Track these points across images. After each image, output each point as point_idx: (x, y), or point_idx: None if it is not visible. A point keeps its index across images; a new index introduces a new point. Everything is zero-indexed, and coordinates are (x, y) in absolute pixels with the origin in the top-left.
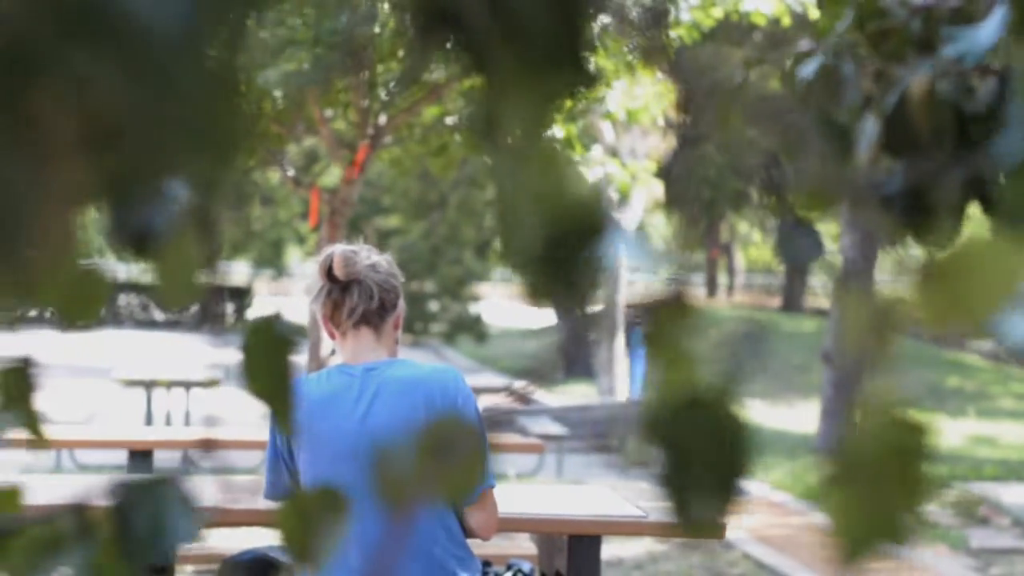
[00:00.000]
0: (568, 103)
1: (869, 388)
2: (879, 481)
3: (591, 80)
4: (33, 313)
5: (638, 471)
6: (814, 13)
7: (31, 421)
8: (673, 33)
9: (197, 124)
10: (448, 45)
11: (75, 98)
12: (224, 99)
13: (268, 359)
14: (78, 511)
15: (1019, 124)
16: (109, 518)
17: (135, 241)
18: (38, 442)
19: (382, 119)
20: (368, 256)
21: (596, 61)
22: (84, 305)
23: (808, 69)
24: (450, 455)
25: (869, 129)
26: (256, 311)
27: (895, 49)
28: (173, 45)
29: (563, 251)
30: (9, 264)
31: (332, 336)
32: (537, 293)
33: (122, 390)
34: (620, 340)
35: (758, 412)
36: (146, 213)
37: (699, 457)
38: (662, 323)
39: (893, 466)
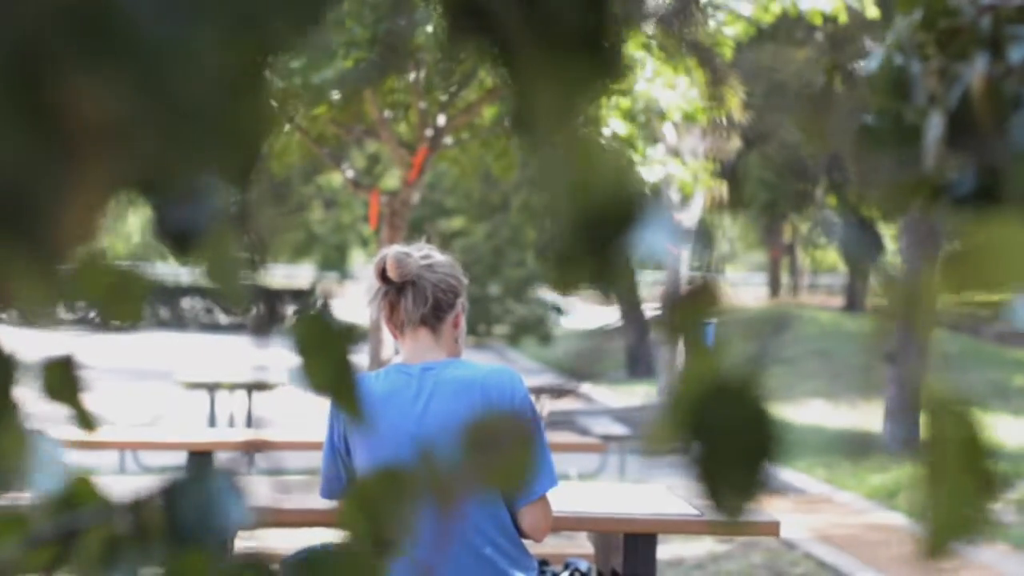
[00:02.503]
0: (599, 95)
1: (931, 385)
2: (954, 476)
3: (619, 71)
4: (82, 315)
5: (659, 458)
6: (872, 12)
7: (81, 414)
8: (730, 30)
9: (211, 122)
10: (480, 37)
11: (90, 96)
12: (241, 97)
13: (324, 351)
14: (135, 509)
15: None
16: (161, 507)
17: (178, 239)
18: (99, 443)
19: (441, 120)
20: (426, 256)
21: (625, 52)
22: (124, 305)
23: (871, 65)
24: (498, 450)
25: (934, 127)
26: (302, 309)
27: (962, 48)
28: (179, 47)
29: (597, 240)
30: (32, 252)
31: (395, 336)
32: (569, 282)
33: (185, 393)
34: (682, 340)
35: (820, 412)
36: (188, 211)
37: (725, 444)
38: (688, 313)
39: (965, 461)
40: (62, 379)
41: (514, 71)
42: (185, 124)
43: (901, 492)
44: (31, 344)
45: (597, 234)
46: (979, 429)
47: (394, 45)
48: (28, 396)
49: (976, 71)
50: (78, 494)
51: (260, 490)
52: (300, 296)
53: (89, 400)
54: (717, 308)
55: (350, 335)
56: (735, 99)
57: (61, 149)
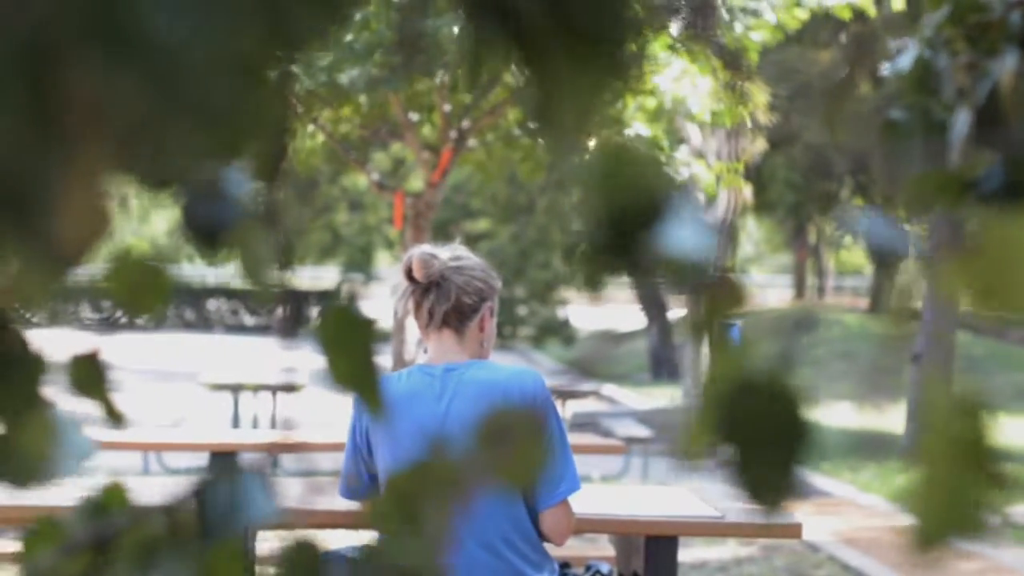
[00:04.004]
0: (619, 94)
1: (932, 382)
2: (948, 472)
3: (636, 69)
4: (106, 313)
5: (693, 463)
6: (897, 4)
7: (108, 409)
8: (756, 34)
9: (227, 116)
10: (502, 37)
11: (94, 88)
12: (257, 91)
13: (349, 344)
14: (169, 511)
15: None
16: (190, 500)
17: (206, 237)
18: (123, 444)
19: (465, 123)
20: (456, 258)
21: (643, 50)
22: (146, 300)
23: (903, 62)
24: (510, 445)
25: (961, 123)
26: (328, 304)
27: (992, 43)
28: (186, 42)
29: (625, 238)
30: (35, 242)
31: (422, 334)
32: (596, 281)
33: (209, 394)
34: (707, 339)
35: (845, 414)
36: (215, 208)
37: (760, 443)
38: (712, 312)
39: (960, 457)
40: (89, 374)
41: (536, 71)
42: (199, 118)
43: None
44: (61, 343)
45: (625, 232)
46: (979, 426)
47: (416, 46)
48: (57, 393)
49: (1005, 66)
50: (110, 500)
51: (289, 489)
52: (325, 297)
53: (116, 396)
54: (741, 307)
55: (374, 330)
56: (761, 100)
57: (72, 144)
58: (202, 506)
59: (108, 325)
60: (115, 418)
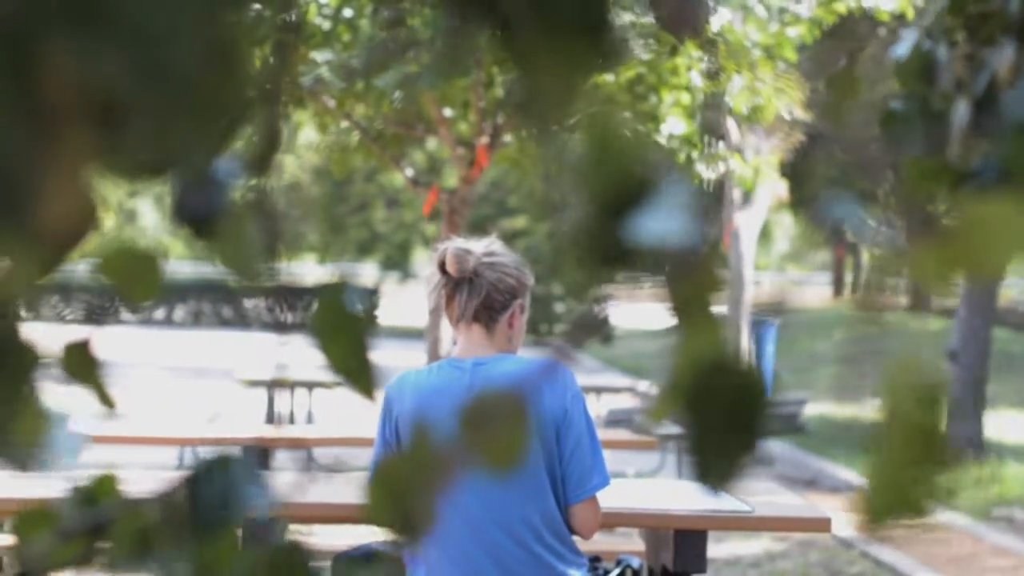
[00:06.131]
0: (597, 74)
1: (892, 363)
2: (896, 448)
3: (617, 55)
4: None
5: (658, 427)
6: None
7: (100, 393)
8: (794, 31)
9: (192, 95)
10: (482, 22)
11: (75, 71)
12: (221, 69)
13: (341, 334)
14: (163, 500)
15: None
16: (182, 490)
17: (195, 223)
18: (160, 439)
19: (500, 118)
20: (490, 254)
21: (621, 35)
22: (139, 286)
23: (900, 50)
24: (489, 427)
25: (960, 113)
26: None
27: (991, 33)
28: (165, 20)
29: (604, 223)
30: (19, 231)
31: (453, 326)
32: (588, 279)
33: (245, 390)
34: (744, 339)
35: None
36: (205, 195)
37: (714, 416)
38: (688, 289)
39: (908, 433)
40: (81, 361)
41: (516, 55)
42: (182, 102)
43: (961, 491)
44: (53, 335)
45: (612, 218)
46: (932, 408)
47: (458, 47)
48: (49, 382)
49: (1003, 57)
50: (102, 490)
51: (282, 478)
52: (318, 289)
53: (107, 381)
54: (718, 286)
55: (366, 320)
56: (797, 96)
57: (56, 133)
58: (193, 496)
59: (100, 315)
60: (107, 404)
